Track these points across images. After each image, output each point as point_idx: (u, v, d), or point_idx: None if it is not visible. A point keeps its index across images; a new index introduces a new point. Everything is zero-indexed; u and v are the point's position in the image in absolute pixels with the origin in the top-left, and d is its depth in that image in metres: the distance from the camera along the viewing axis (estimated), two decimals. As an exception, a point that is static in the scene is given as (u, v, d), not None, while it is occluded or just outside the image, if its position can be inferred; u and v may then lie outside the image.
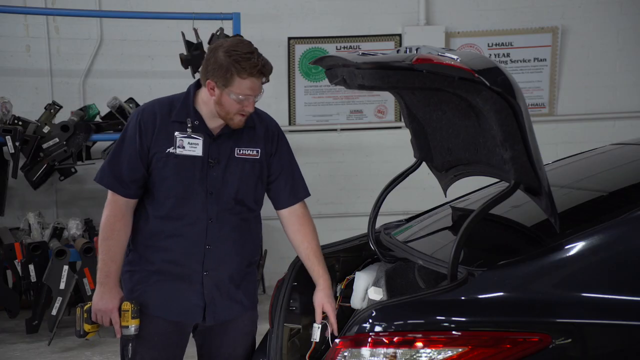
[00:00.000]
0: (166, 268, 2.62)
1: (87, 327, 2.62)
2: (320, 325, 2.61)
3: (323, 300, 2.63)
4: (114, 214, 2.61)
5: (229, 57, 2.49)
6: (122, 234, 2.62)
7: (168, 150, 2.58)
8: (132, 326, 2.57)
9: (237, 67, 2.48)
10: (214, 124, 2.62)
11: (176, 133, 2.59)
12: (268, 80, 2.59)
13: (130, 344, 2.63)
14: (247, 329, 2.80)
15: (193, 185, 2.59)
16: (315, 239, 2.74)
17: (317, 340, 2.61)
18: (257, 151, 2.68)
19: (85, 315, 2.62)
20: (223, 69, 2.49)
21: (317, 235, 2.76)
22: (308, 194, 2.81)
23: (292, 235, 2.76)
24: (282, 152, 2.75)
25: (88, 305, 2.63)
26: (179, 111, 2.62)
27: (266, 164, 2.71)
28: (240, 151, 2.65)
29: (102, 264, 2.61)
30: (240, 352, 2.80)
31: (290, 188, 2.76)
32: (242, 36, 5.70)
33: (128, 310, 2.56)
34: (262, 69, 2.52)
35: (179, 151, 2.59)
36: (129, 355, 2.67)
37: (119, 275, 2.63)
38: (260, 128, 2.71)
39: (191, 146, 2.59)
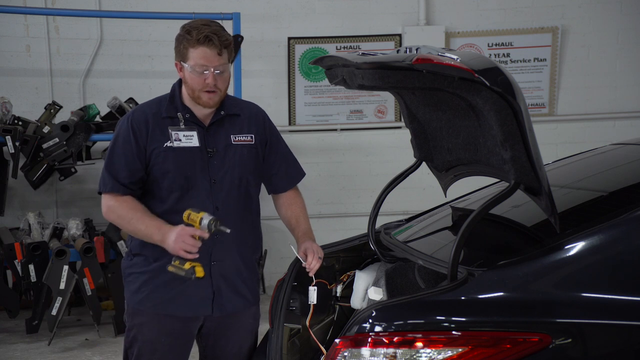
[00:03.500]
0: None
1: (187, 265, 2.49)
2: (315, 288, 2.64)
3: (307, 244, 2.68)
4: (118, 204, 2.61)
5: (182, 30, 2.58)
6: (136, 203, 2.61)
7: (165, 144, 2.61)
8: (205, 220, 2.47)
9: (187, 38, 2.56)
10: (202, 114, 2.66)
11: (170, 128, 2.62)
12: (229, 55, 2.60)
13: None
14: (251, 327, 2.82)
15: (195, 176, 2.62)
16: (303, 210, 2.85)
17: (315, 302, 2.63)
18: (252, 137, 2.72)
19: (177, 262, 2.51)
20: (179, 44, 2.59)
21: (306, 210, 2.86)
22: (303, 174, 2.90)
23: (283, 213, 2.86)
24: (274, 138, 2.81)
25: (174, 262, 2.51)
26: (168, 107, 2.66)
27: (261, 150, 2.76)
28: (236, 138, 2.69)
29: (148, 230, 2.56)
30: (245, 350, 2.81)
31: (285, 172, 2.84)
32: (241, 35, 5.71)
33: (189, 216, 2.48)
34: (210, 36, 2.53)
35: (176, 144, 2.62)
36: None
37: (161, 220, 2.58)
38: (245, 115, 2.75)
39: (187, 138, 2.63)
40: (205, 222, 2.47)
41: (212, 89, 2.58)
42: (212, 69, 2.55)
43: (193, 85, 2.58)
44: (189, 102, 2.66)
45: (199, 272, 2.50)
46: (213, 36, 2.54)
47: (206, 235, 2.48)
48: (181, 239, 2.47)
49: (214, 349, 2.79)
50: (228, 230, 2.49)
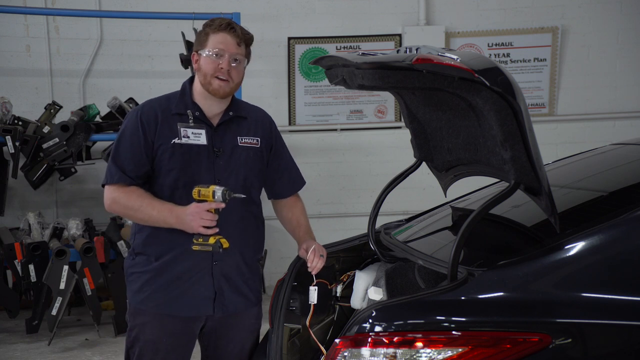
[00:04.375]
0: (175, 263, 2.62)
1: (212, 240, 2.50)
2: (316, 288, 2.64)
3: (309, 243, 2.70)
4: (124, 194, 2.60)
5: (204, 24, 2.66)
6: (142, 191, 2.60)
7: (173, 141, 2.61)
8: (218, 192, 2.48)
9: (209, 25, 2.63)
10: (212, 113, 2.67)
11: (179, 124, 2.62)
12: (247, 52, 2.66)
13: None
14: (252, 327, 2.82)
15: (200, 175, 2.61)
16: (303, 213, 2.88)
17: (315, 302, 2.63)
18: (258, 140, 2.74)
19: (200, 240, 2.51)
20: (199, 35, 2.66)
21: (306, 213, 2.90)
22: (304, 183, 2.92)
23: (284, 214, 2.89)
24: (279, 145, 2.84)
25: (196, 241, 2.51)
26: (178, 104, 2.67)
27: (266, 155, 2.77)
28: (242, 140, 2.70)
29: (161, 215, 2.55)
30: (247, 350, 2.82)
31: (288, 179, 2.86)
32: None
33: (199, 192, 2.49)
34: (233, 24, 2.62)
35: (184, 140, 2.61)
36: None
37: (171, 203, 2.58)
38: (253, 119, 2.77)
39: (195, 136, 2.63)
40: (219, 193, 2.47)
41: (225, 77, 2.59)
42: (227, 55, 2.58)
43: (206, 69, 2.59)
44: (199, 100, 2.67)
45: (225, 243, 2.51)
46: (236, 26, 2.63)
47: (222, 205, 2.49)
48: (199, 215, 2.48)
49: (216, 349, 2.79)
50: (243, 196, 2.52)
